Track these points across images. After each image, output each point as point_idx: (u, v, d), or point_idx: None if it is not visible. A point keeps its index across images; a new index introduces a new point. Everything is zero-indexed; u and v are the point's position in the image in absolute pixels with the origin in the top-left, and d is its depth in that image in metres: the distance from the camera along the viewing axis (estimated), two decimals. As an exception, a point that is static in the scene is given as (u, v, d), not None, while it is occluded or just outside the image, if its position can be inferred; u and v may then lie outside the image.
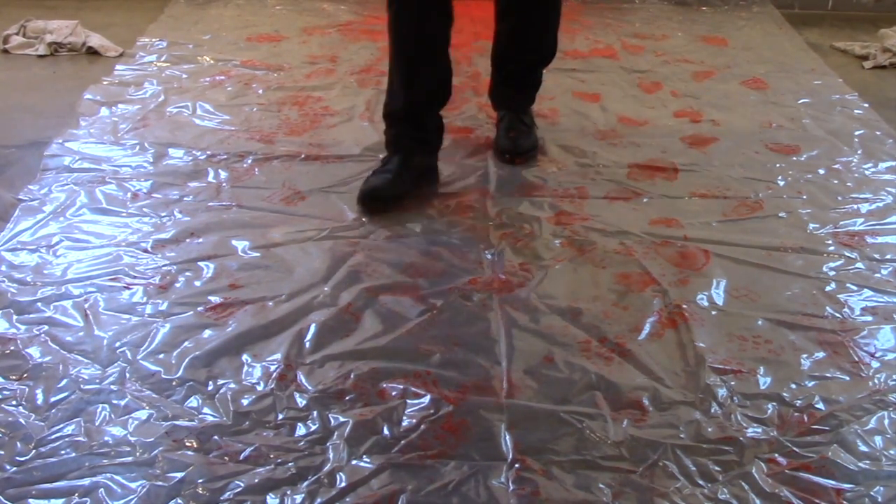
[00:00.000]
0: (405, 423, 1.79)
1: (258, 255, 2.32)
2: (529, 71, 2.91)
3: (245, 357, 1.95)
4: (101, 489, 1.61)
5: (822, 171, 2.84)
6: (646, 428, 1.79)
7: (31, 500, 1.59)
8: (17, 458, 1.67)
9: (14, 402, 1.80)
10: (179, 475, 1.65)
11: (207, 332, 2.02)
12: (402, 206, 2.53)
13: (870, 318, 2.15)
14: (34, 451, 1.69)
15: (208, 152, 2.83)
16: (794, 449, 1.75)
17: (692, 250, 2.40)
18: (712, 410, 1.84)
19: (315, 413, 1.80)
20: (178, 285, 2.18)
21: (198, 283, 2.20)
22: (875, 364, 1.99)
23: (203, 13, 4.13)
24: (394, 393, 1.86)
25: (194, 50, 3.67)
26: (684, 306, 2.16)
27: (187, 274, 2.22)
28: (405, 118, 2.61)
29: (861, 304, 2.20)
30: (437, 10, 2.53)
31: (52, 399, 1.81)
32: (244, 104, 3.18)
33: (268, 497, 1.61)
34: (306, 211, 2.53)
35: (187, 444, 1.72)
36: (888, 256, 2.39)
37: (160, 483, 1.63)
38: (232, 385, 1.87)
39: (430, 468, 1.68)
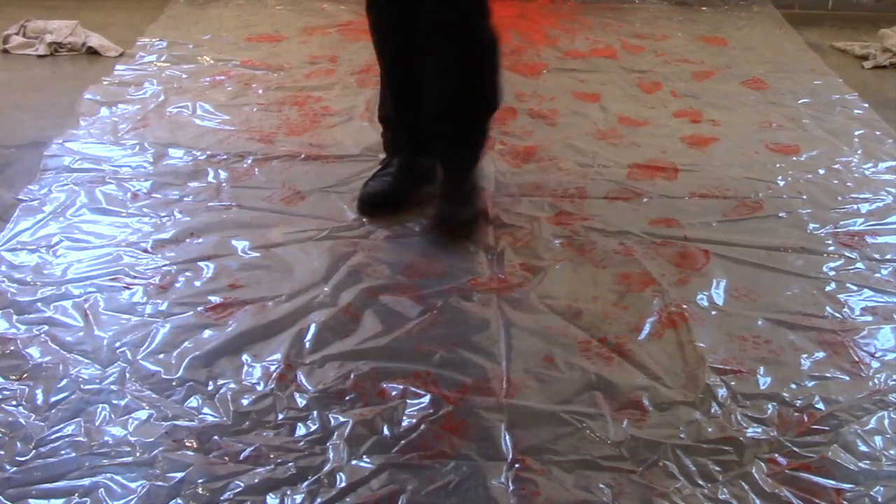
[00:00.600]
0: (405, 423, 1.79)
1: (258, 255, 2.32)
2: (468, 126, 2.50)
3: (245, 357, 1.95)
4: (101, 489, 1.61)
5: (822, 171, 2.84)
6: (646, 428, 1.79)
7: (31, 500, 1.59)
8: (17, 458, 1.67)
9: (14, 402, 1.80)
10: (179, 475, 1.65)
11: (207, 332, 2.02)
12: (403, 207, 2.52)
13: (870, 318, 2.15)
14: (34, 451, 1.69)
15: (208, 152, 2.83)
16: (794, 449, 1.75)
17: (692, 250, 2.40)
18: (712, 410, 1.84)
19: (315, 413, 1.80)
20: (178, 285, 2.18)
21: (198, 284, 2.20)
22: (875, 364, 1.99)
23: (203, 13, 4.13)
24: (394, 393, 1.86)
25: (194, 50, 3.67)
26: (684, 306, 2.16)
27: (187, 274, 2.22)
28: (399, 123, 2.58)
29: (861, 304, 2.20)
30: (417, 14, 2.38)
31: (52, 399, 1.81)
32: (244, 104, 3.18)
33: (268, 497, 1.61)
34: (306, 211, 2.53)
35: (187, 444, 1.72)
36: (888, 256, 2.39)
37: (160, 483, 1.63)
38: (232, 385, 1.87)
39: (430, 468, 1.68)
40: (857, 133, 3.11)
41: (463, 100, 2.43)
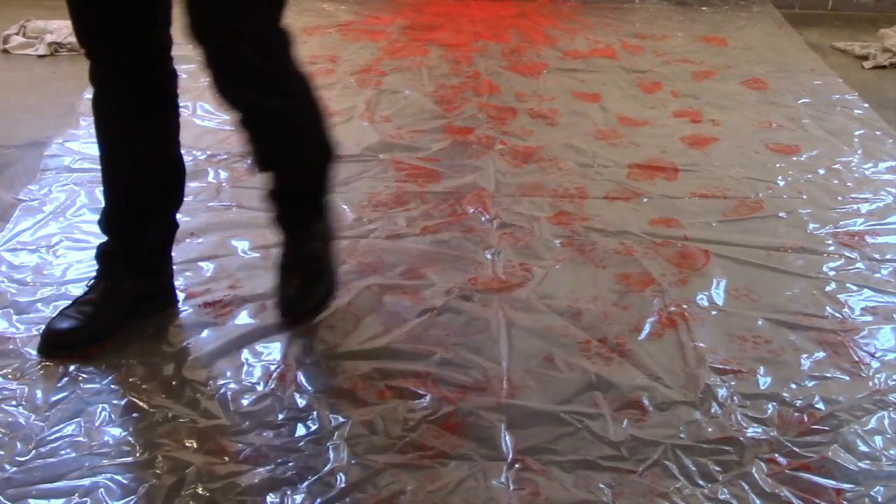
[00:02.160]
0: (405, 423, 1.79)
1: (258, 255, 2.32)
2: (302, 179, 2.07)
3: (245, 357, 1.95)
4: (101, 489, 1.61)
5: (822, 171, 2.84)
6: (646, 428, 1.79)
7: (31, 500, 1.59)
8: (17, 458, 1.67)
9: (14, 402, 1.80)
10: (179, 475, 1.65)
11: (207, 332, 2.02)
12: (102, 346, 1.94)
13: (870, 318, 2.15)
14: (34, 451, 1.69)
15: (208, 152, 2.83)
16: (794, 449, 1.75)
17: (692, 250, 2.40)
18: (712, 410, 1.84)
19: (315, 413, 1.80)
20: (178, 285, 2.18)
21: (198, 283, 2.19)
22: (875, 364, 1.99)
23: (203, 13, 4.12)
24: (394, 393, 1.86)
25: (194, 50, 3.65)
26: (684, 306, 2.16)
27: (187, 274, 2.22)
28: (109, 230, 2.00)
29: (861, 304, 2.20)
30: (150, 87, 1.89)
31: (52, 399, 1.81)
32: (244, 104, 3.18)
33: (268, 497, 1.61)
34: (306, 211, 2.53)
35: (187, 444, 1.72)
36: (888, 256, 2.39)
37: (160, 483, 1.63)
38: (232, 385, 1.87)
39: (430, 468, 1.68)
40: (857, 133, 3.11)
41: (281, 166, 2.01)
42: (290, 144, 1.98)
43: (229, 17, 1.78)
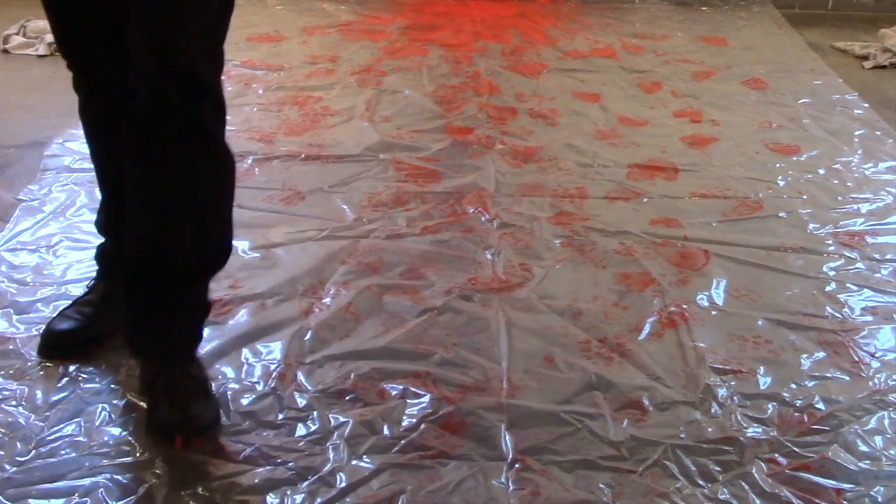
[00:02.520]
0: (405, 423, 1.79)
1: (258, 255, 2.32)
2: (183, 285, 1.75)
3: (245, 357, 1.95)
4: (101, 489, 1.60)
5: (822, 171, 2.84)
6: (646, 428, 1.79)
7: (31, 500, 1.59)
8: (17, 458, 1.67)
9: (14, 402, 1.80)
10: (179, 475, 1.65)
11: (207, 332, 2.02)
12: (103, 346, 1.92)
13: (870, 318, 2.15)
14: (34, 451, 1.69)
15: (208, 152, 2.82)
16: (794, 449, 1.75)
17: (692, 250, 2.40)
18: (712, 410, 1.84)
19: (315, 413, 1.80)
20: (178, 285, 2.18)
21: (198, 283, 2.19)
22: (875, 364, 1.99)
23: (203, 13, 4.12)
24: (394, 393, 1.86)
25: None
26: (684, 306, 2.16)
27: (187, 274, 2.22)
28: (104, 231, 1.96)
29: (861, 304, 2.20)
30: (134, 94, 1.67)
31: (52, 399, 1.81)
32: (244, 104, 3.18)
33: (268, 497, 1.61)
34: (306, 211, 2.53)
35: (187, 443, 1.72)
36: (888, 256, 2.39)
37: (160, 483, 1.63)
38: (232, 385, 1.87)
39: (430, 468, 1.68)
40: (857, 133, 3.11)
41: (176, 248, 1.70)
42: (200, 210, 1.70)
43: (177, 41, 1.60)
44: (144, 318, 1.75)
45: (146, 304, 1.74)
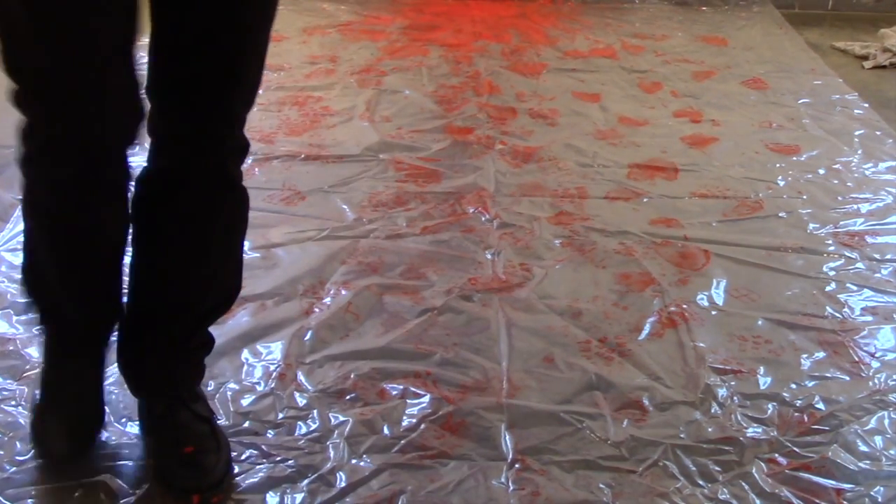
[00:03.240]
0: (405, 423, 1.79)
1: (258, 255, 2.32)
2: (193, 331, 1.69)
3: (245, 357, 1.95)
4: (101, 489, 1.61)
5: (822, 171, 2.84)
6: (646, 428, 1.79)
7: (30, 500, 1.59)
8: (17, 458, 1.67)
9: (14, 402, 1.80)
10: (179, 475, 1.65)
11: (207, 332, 2.02)
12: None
13: (870, 318, 2.15)
14: (34, 450, 1.69)
15: (208, 152, 2.82)
16: (794, 449, 1.75)
17: (692, 250, 2.40)
18: (712, 410, 1.84)
19: (315, 413, 1.80)
20: (178, 285, 2.18)
21: (198, 283, 2.19)
22: (875, 364, 1.99)
23: (203, 13, 4.12)
24: (394, 393, 1.86)
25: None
26: (684, 306, 2.16)
27: (187, 274, 2.22)
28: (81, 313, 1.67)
29: (861, 304, 2.20)
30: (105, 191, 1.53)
31: (52, 399, 1.81)
32: (244, 104, 3.18)
33: (268, 496, 1.61)
34: (306, 211, 2.53)
35: (187, 443, 1.72)
36: (888, 256, 2.40)
37: (160, 483, 1.63)
38: (232, 385, 1.87)
39: (430, 468, 1.68)
40: (857, 133, 3.11)
41: (187, 298, 1.63)
42: (224, 253, 1.66)
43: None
44: (149, 361, 1.67)
45: (151, 349, 1.66)
